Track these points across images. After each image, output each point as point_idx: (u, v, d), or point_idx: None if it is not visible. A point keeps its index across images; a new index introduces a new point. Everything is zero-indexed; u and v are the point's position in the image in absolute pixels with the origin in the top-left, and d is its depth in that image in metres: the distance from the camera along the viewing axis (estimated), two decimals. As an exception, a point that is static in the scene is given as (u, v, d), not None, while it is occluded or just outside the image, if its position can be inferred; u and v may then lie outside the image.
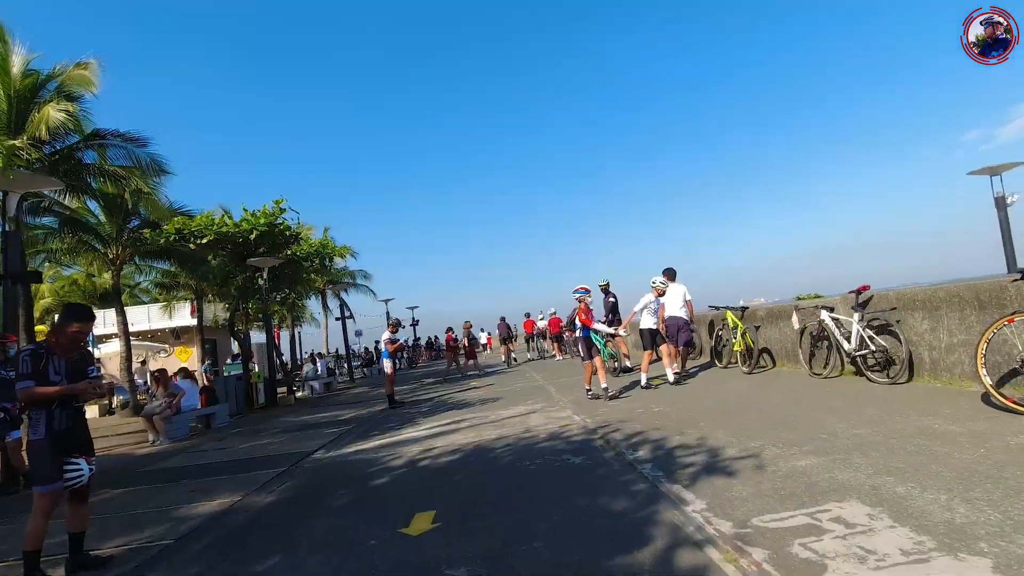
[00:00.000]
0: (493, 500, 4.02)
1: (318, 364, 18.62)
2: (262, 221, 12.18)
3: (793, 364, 8.70)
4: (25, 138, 12.65)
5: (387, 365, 11.69)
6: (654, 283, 9.08)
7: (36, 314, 27.44)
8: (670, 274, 10.48)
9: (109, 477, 6.97)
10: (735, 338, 9.53)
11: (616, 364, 11.66)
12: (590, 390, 8.39)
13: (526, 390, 11.11)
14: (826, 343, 7.57)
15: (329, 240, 16.44)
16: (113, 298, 17.59)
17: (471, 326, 18.72)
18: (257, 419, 12.04)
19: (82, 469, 3.55)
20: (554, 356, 20.06)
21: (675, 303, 9.89)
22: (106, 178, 14.76)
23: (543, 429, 6.51)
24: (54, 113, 12.58)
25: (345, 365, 24.32)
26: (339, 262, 37.70)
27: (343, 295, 30.34)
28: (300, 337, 45.62)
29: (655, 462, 4.42)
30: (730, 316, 9.87)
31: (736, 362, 10.02)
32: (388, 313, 32.07)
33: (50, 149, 14.06)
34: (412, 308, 36.05)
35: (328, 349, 34.18)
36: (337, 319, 24.42)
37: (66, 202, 16.49)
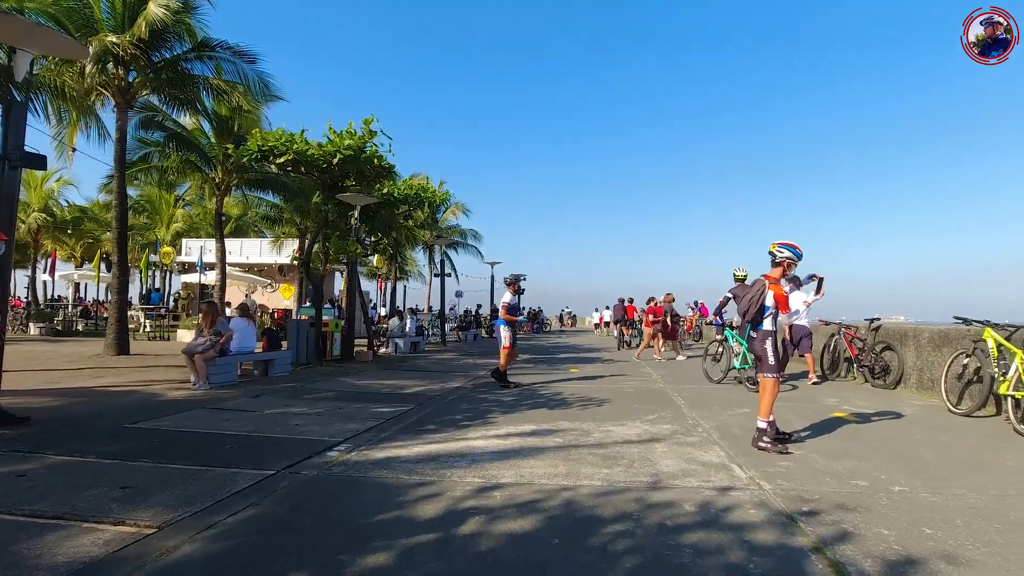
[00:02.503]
0: None
1: (407, 320, 16.99)
2: (346, 143, 10.26)
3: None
4: (127, 37, 11.72)
5: (504, 335, 9.36)
6: None
7: (168, 237, 29.09)
8: (795, 280, 9.03)
9: (86, 431, 5.31)
10: (1000, 375, 6.00)
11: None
12: (765, 432, 4.81)
13: (643, 393, 8.30)
14: None
15: (430, 184, 14.41)
16: (215, 224, 17.11)
17: (673, 299, 15.59)
18: (317, 375, 10.39)
19: None
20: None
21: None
22: (210, 91, 13.78)
23: (684, 487, 3.75)
24: (154, 8, 11.47)
25: (438, 325, 22.77)
26: (451, 219, 36.82)
27: (448, 252, 28.91)
28: (405, 291, 45.84)
29: None
30: (992, 337, 6.31)
31: (981, 409, 6.49)
32: (493, 277, 30.25)
33: (158, 57, 13.26)
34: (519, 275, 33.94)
35: (430, 306, 33.32)
36: (436, 275, 22.86)
37: (180, 119, 16.02)
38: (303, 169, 10.84)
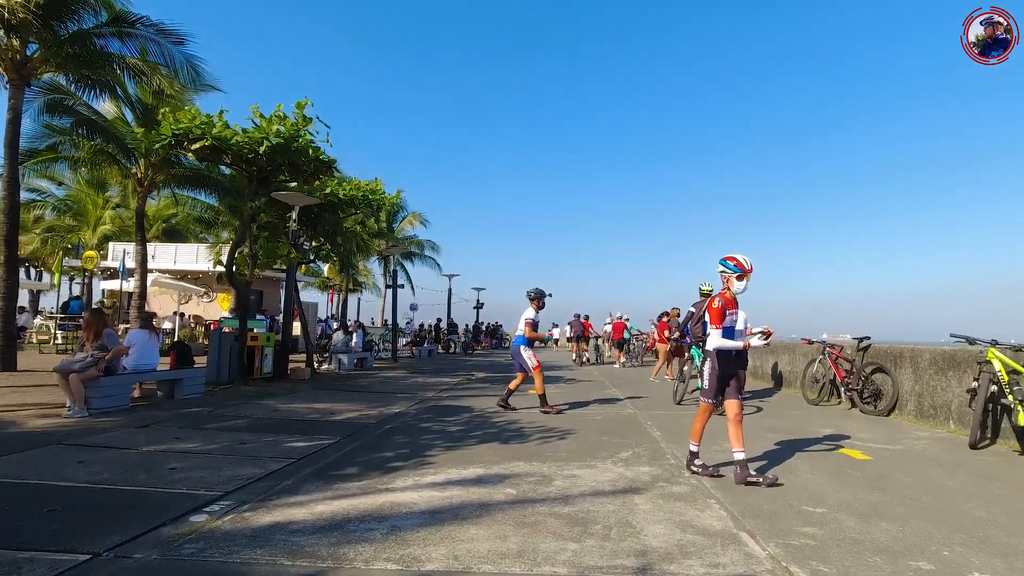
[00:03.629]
0: None
1: (353, 335, 15.55)
2: (275, 128, 8.89)
3: None
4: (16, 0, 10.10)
5: (528, 355, 8.05)
6: None
7: (95, 241, 26.59)
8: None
9: None
10: (1018, 403, 5.21)
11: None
12: (696, 456, 4.75)
13: (611, 422, 7.20)
14: None
15: (380, 186, 13.14)
16: (136, 225, 15.27)
17: (679, 313, 13.47)
18: (236, 397, 8.91)
19: None
20: (613, 363, 19.06)
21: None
22: (126, 71, 12.21)
23: (688, 579, 2.63)
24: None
25: (390, 340, 21.34)
26: (408, 229, 35.38)
27: (405, 263, 27.49)
28: (359, 304, 43.83)
29: None
30: (998, 359, 5.54)
31: (990, 442, 5.68)
32: (450, 291, 28.96)
33: (64, 29, 11.62)
34: (478, 289, 32.74)
35: (384, 319, 31.67)
36: (388, 287, 21.43)
37: (98, 105, 14.26)
38: (227, 159, 9.41)
